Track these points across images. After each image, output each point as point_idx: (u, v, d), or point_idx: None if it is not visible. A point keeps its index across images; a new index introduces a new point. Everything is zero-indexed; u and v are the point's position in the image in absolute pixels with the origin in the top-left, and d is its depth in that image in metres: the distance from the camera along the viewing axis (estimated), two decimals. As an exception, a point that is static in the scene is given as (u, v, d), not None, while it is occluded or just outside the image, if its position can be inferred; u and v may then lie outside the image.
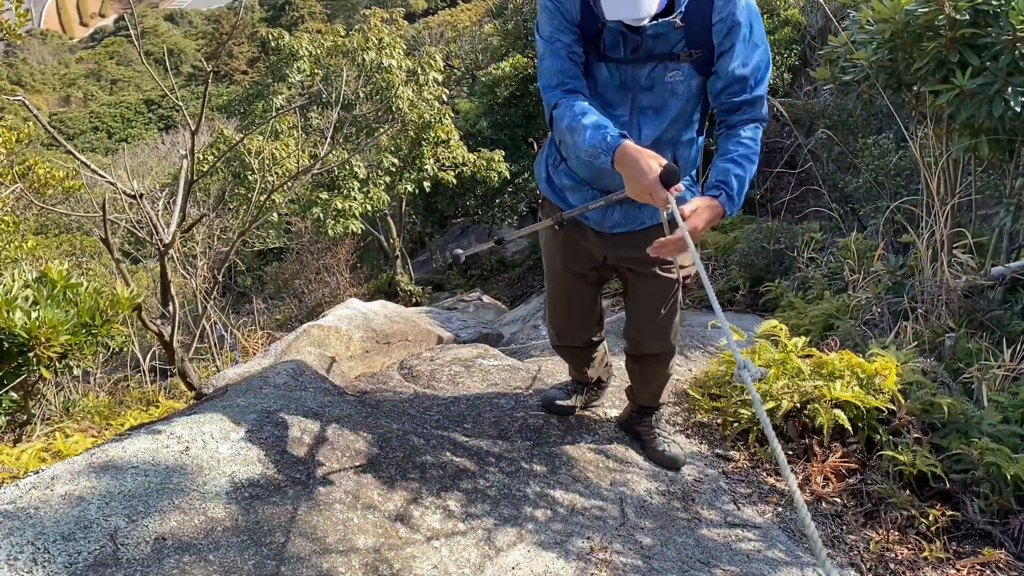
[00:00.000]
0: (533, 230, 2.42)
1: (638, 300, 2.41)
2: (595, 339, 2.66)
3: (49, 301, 2.72)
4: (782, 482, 2.66)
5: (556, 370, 3.40)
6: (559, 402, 2.89)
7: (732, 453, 2.82)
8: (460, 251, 2.35)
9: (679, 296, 2.33)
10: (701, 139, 2.21)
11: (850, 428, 2.66)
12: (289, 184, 7.09)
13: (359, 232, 10.12)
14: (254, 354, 5.64)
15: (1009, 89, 2.88)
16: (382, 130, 9.89)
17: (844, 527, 2.43)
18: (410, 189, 10.37)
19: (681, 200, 1.84)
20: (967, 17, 2.97)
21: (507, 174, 10.71)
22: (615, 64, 2.02)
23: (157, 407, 3.88)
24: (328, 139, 7.25)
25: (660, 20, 1.89)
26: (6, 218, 5.28)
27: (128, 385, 5.35)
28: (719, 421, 3.02)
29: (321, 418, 2.47)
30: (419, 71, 10.23)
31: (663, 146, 2.06)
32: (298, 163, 8.71)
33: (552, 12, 2.00)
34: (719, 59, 1.97)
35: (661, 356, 2.51)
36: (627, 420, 2.84)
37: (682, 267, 2.32)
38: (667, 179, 1.76)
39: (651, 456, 2.71)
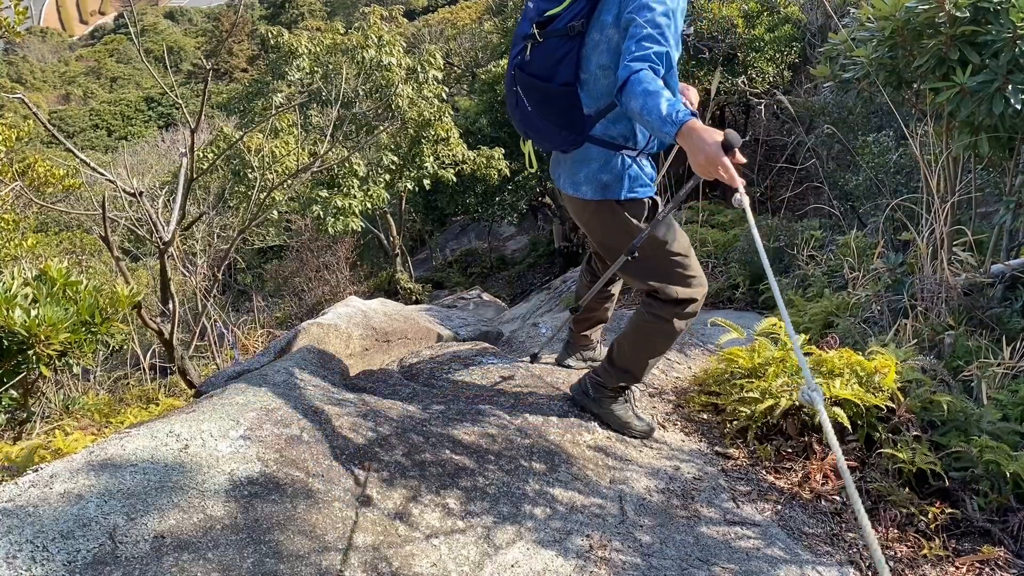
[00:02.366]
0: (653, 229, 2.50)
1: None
2: None
3: (49, 299, 2.72)
4: (781, 480, 2.66)
5: (555, 368, 3.40)
6: (639, 426, 2.86)
7: (731, 451, 2.82)
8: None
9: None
10: None
11: (849, 426, 2.66)
12: (289, 182, 7.09)
13: (359, 230, 10.13)
14: (254, 352, 5.64)
15: (1009, 87, 2.87)
16: (382, 128, 9.89)
17: (843, 525, 2.44)
18: (410, 187, 10.37)
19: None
20: (967, 15, 2.96)
21: (507, 172, 10.71)
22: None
23: (157, 405, 3.87)
24: (328, 137, 7.24)
25: None
26: (6, 216, 5.28)
27: (128, 383, 5.36)
28: (718, 419, 3.02)
29: (320, 416, 2.47)
30: (419, 69, 10.23)
31: None
32: (298, 161, 8.69)
33: (673, 22, 2.18)
34: None
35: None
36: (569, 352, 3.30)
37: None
38: (729, 144, 1.92)
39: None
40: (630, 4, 2.21)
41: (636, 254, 2.48)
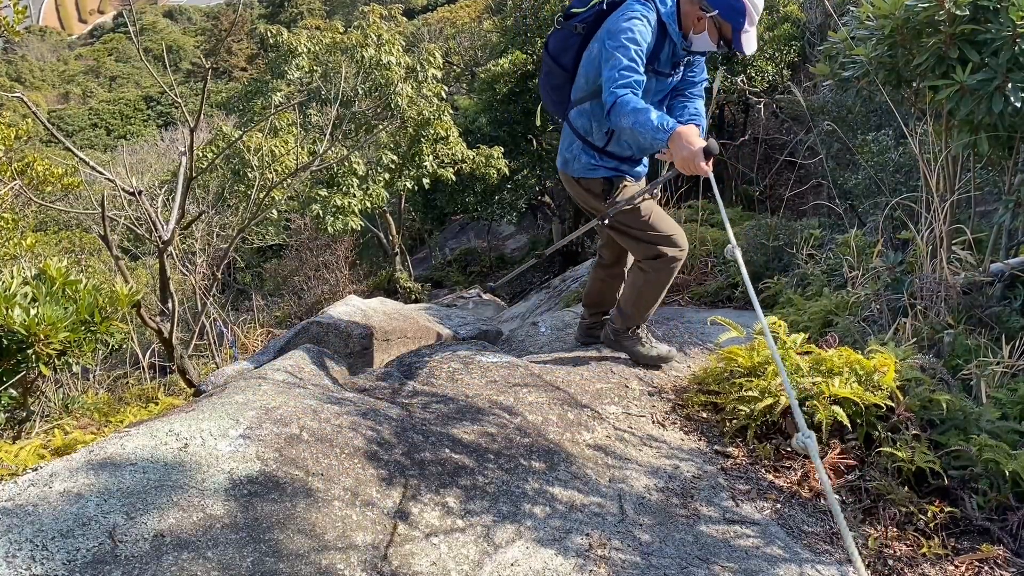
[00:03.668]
0: (638, 198, 3.12)
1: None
2: None
3: (48, 298, 2.72)
4: (780, 478, 2.67)
5: (555, 367, 3.40)
6: (653, 353, 3.46)
7: (731, 449, 2.82)
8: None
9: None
10: None
11: (849, 425, 2.66)
12: (288, 181, 7.08)
13: (358, 229, 10.12)
14: (253, 351, 5.64)
15: (1009, 85, 2.87)
16: (381, 127, 9.89)
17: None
18: (409, 186, 10.36)
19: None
20: (967, 13, 2.96)
21: (506, 171, 10.71)
22: (659, 75, 2.98)
23: (156, 404, 3.87)
24: (327, 136, 7.24)
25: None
26: (5, 215, 5.27)
27: (127, 382, 5.36)
28: (718, 418, 3.03)
29: (320, 415, 2.47)
30: (418, 68, 10.23)
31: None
32: (297, 160, 8.69)
33: (643, 37, 2.82)
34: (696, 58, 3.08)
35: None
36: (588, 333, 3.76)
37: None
38: (709, 152, 2.55)
39: (638, 359, 3.48)
40: (606, 31, 2.87)
41: (607, 222, 3.09)
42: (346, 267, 11.86)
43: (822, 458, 2.67)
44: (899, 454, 2.53)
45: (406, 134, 10.22)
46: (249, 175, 8.78)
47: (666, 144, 2.60)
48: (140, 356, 5.63)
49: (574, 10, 3.04)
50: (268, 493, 2.00)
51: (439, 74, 10.53)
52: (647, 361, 3.45)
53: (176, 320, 3.44)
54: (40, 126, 3.90)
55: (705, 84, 3.21)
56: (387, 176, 10.05)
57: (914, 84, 3.44)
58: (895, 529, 2.38)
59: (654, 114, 2.61)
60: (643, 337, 3.48)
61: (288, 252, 13.30)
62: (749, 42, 2.84)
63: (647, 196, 3.10)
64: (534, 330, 4.39)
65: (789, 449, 2.79)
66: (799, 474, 2.66)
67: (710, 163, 2.57)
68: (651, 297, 3.33)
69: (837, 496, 2.56)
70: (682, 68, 3.07)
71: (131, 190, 3.49)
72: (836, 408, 2.67)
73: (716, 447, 2.85)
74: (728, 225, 2.34)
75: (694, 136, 2.58)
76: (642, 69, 2.81)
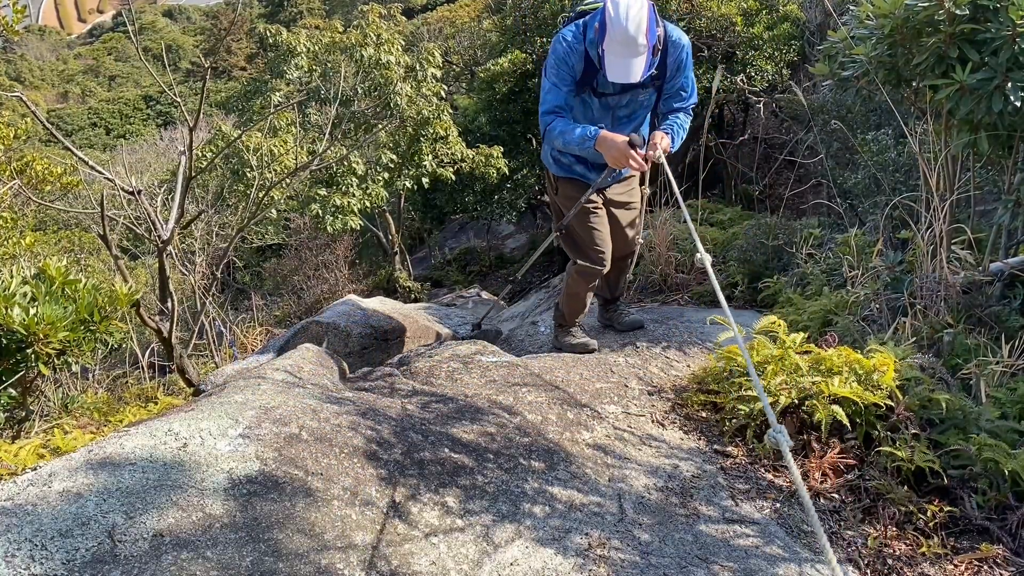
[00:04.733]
0: (576, 209, 3.46)
1: (618, 223, 3.58)
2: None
3: (47, 297, 2.71)
4: (780, 478, 2.67)
5: (554, 366, 3.40)
6: (574, 342, 3.79)
7: (730, 449, 2.82)
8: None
9: (640, 219, 3.39)
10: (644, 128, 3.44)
11: (848, 424, 2.66)
12: (287, 180, 7.07)
13: (358, 228, 10.10)
14: (252, 350, 5.64)
15: (1008, 85, 2.87)
16: (381, 126, 9.87)
17: (842, 523, 2.44)
18: (409, 185, 10.34)
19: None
20: (967, 12, 2.96)
21: (505, 170, 10.69)
22: (603, 96, 3.19)
23: (156, 404, 3.87)
24: (326, 135, 7.23)
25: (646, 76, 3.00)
26: (4, 214, 5.26)
27: (127, 382, 5.36)
28: (717, 417, 3.03)
29: (319, 414, 2.46)
30: (417, 67, 10.21)
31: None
32: (296, 159, 8.69)
33: (560, 65, 3.10)
34: (669, 82, 3.22)
35: (632, 256, 3.90)
36: (602, 315, 4.14)
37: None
38: (633, 144, 2.95)
39: (620, 324, 4.01)
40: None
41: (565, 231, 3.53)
42: (345, 266, 11.85)
43: (821, 458, 2.67)
44: (898, 453, 2.53)
45: (405, 133, 10.20)
46: (248, 174, 8.76)
47: (595, 148, 2.99)
48: (139, 356, 5.63)
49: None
50: (267, 493, 2.00)
51: (438, 73, 10.51)
52: (568, 349, 3.78)
53: (175, 319, 3.44)
54: (39, 125, 3.90)
55: (693, 103, 3.32)
56: (386, 175, 10.03)
57: (914, 83, 3.43)
58: (894, 528, 2.38)
59: (577, 128, 3.03)
60: (572, 331, 3.86)
61: (287, 251, 13.29)
62: (612, 66, 2.89)
63: (582, 204, 3.41)
64: (534, 329, 4.39)
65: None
66: (798, 473, 2.66)
67: (641, 152, 2.94)
68: (568, 301, 3.73)
69: (836, 496, 2.56)
70: (644, 89, 3.17)
71: (130, 189, 3.48)
72: (835, 407, 2.67)
73: (715, 446, 2.85)
74: (693, 229, 2.41)
75: (617, 135, 2.97)
76: (566, 90, 3.11)
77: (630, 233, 3.69)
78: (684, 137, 3.29)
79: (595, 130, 2.98)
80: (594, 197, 3.45)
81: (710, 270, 2.02)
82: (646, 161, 3.00)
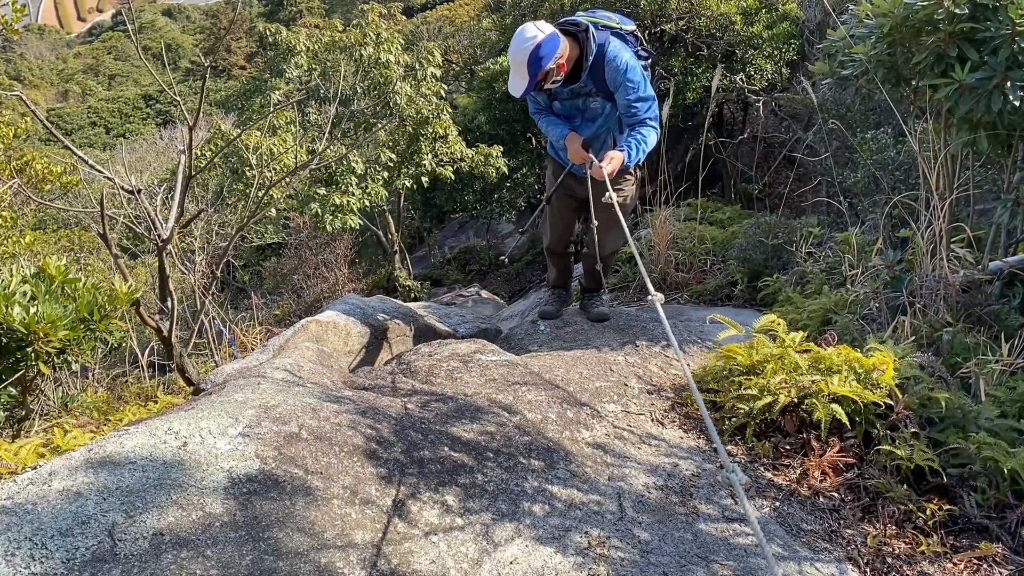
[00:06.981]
0: (553, 189, 4.04)
1: (597, 212, 3.77)
2: (570, 249, 4.59)
3: (47, 296, 2.71)
4: (779, 476, 2.67)
5: (554, 365, 3.41)
6: (550, 308, 4.49)
7: (730, 447, 2.82)
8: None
9: (617, 212, 3.32)
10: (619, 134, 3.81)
11: (847, 423, 2.67)
12: (287, 179, 7.06)
13: (357, 227, 10.09)
14: (252, 349, 5.63)
15: (1008, 83, 2.87)
16: (380, 125, 9.87)
17: (841, 521, 2.44)
18: (408, 184, 10.33)
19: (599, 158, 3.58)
20: (966, 11, 2.96)
21: (505, 169, 10.68)
22: (563, 101, 3.76)
23: (155, 403, 3.87)
24: (326, 134, 7.22)
25: (573, 86, 3.61)
26: (4, 213, 5.26)
27: (126, 381, 5.35)
28: (716, 416, 3.03)
29: (319, 413, 2.47)
30: (417, 66, 10.20)
31: (597, 138, 3.79)
32: (296, 158, 8.68)
33: (534, 100, 3.86)
34: (616, 97, 3.59)
35: (611, 257, 4.36)
36: (580, 302, 4.57)
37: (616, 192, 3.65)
38: (585, 147, 3.67)
39: (588, 314, 4.36)
40: None
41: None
42: (345, 265, 11.84)
43: (820, 457, 2.68)
44: (898, 452, 2.53)
45: (405, 133, 10.19)
46: (248, 173, 8.75)
47: (564, 144, 3.76)
48: (139, 355, 5.62)
49: None
50: (267, 491, 2.00)
51: (438, 72, 10.49)
52: (541, 306, 4.61)
53: (175, 318, 3.44)
54: (39, 124, 3.89)
55: (647, 117, 3.57)
56: (386, 175, 10.01)
57: (913, 82, 3.44)
58: (894, 527, 2.39)
59: (556, 128, 3.77)
60: (551, 296, 4.63)
61: (287, 251, 13.27)
62: (511, 81, 3.43)
63: (556, 183, 3.94)
64: (533, 328, 4.39)
65: (788, 447, 2.79)
66: (798, 472, 2.67)
67: (590, 157, 3.55)
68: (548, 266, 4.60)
69: (835, 494, 2.56)
70: (591, 98, 3.64)
71: (130, 188, 3.48)
72: (835, 406, 2.68)
73: (715, 445, 2.85)
74: (641, 264, 2.40)
75: (579, 138, 3.69)
76: (541, 96, 3.77)
77: (602, 236, 3.91)
78: (647, 149, 3.59)
79: (566, 131, 3.73)
80: (577, 192, 3.94)
81: (661, 311, 2.07)
82: (591, 167, 3.50)
